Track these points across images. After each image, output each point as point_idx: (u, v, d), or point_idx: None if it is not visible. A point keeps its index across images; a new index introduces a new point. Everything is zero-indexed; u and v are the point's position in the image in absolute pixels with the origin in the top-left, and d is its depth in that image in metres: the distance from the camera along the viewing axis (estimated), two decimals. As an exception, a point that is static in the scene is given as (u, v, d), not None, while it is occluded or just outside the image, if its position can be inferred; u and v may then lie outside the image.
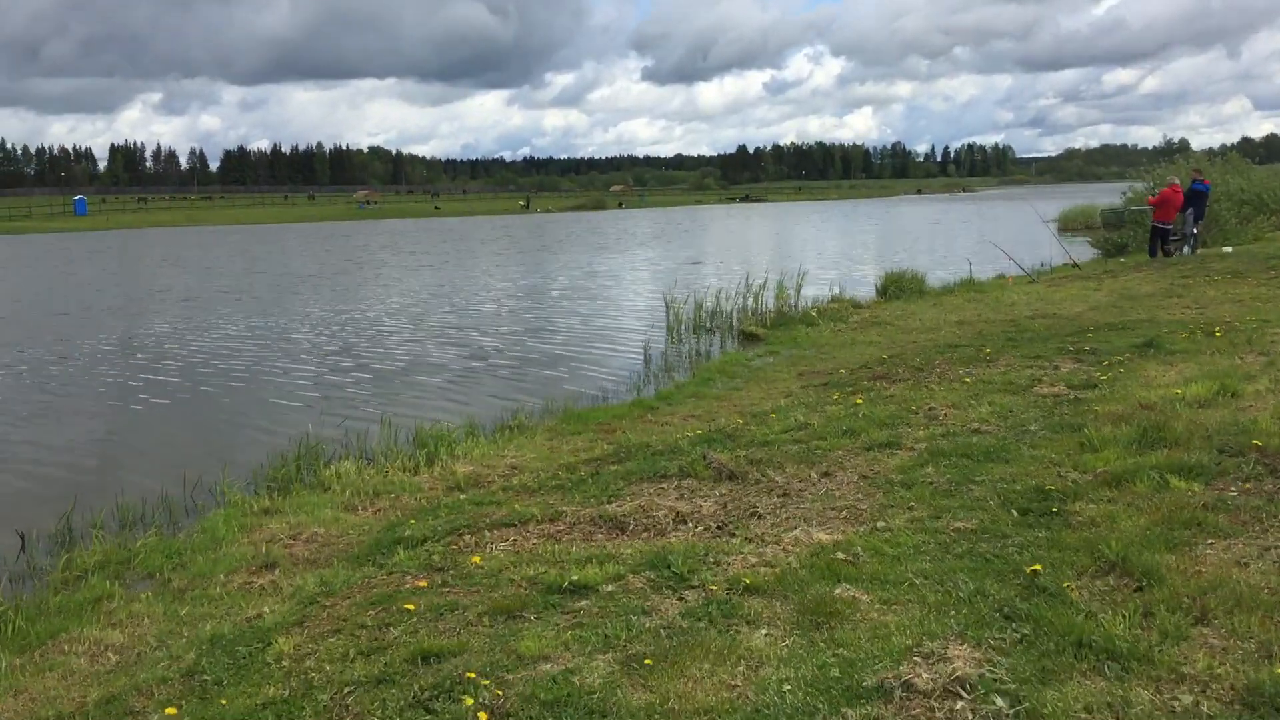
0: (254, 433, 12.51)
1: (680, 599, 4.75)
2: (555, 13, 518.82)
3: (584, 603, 4.82)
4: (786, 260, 35.74)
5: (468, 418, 11.79)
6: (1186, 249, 24.45)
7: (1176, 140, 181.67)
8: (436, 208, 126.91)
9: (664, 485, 7.01)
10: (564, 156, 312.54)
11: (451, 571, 5.64)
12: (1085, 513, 5.25)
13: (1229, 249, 24.93)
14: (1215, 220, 28.16)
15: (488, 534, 6.46)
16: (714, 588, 4.77)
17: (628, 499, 6.78)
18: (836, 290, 21.63)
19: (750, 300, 19.72)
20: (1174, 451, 5.98)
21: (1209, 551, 4.56)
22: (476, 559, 5.76)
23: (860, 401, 8.98)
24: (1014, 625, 4.01)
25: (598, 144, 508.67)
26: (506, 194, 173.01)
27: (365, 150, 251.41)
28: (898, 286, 21.19)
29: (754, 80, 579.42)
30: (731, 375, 13.31)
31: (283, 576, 6.71)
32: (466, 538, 6.47)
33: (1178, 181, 24.15)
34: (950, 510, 5.59)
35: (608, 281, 31.87)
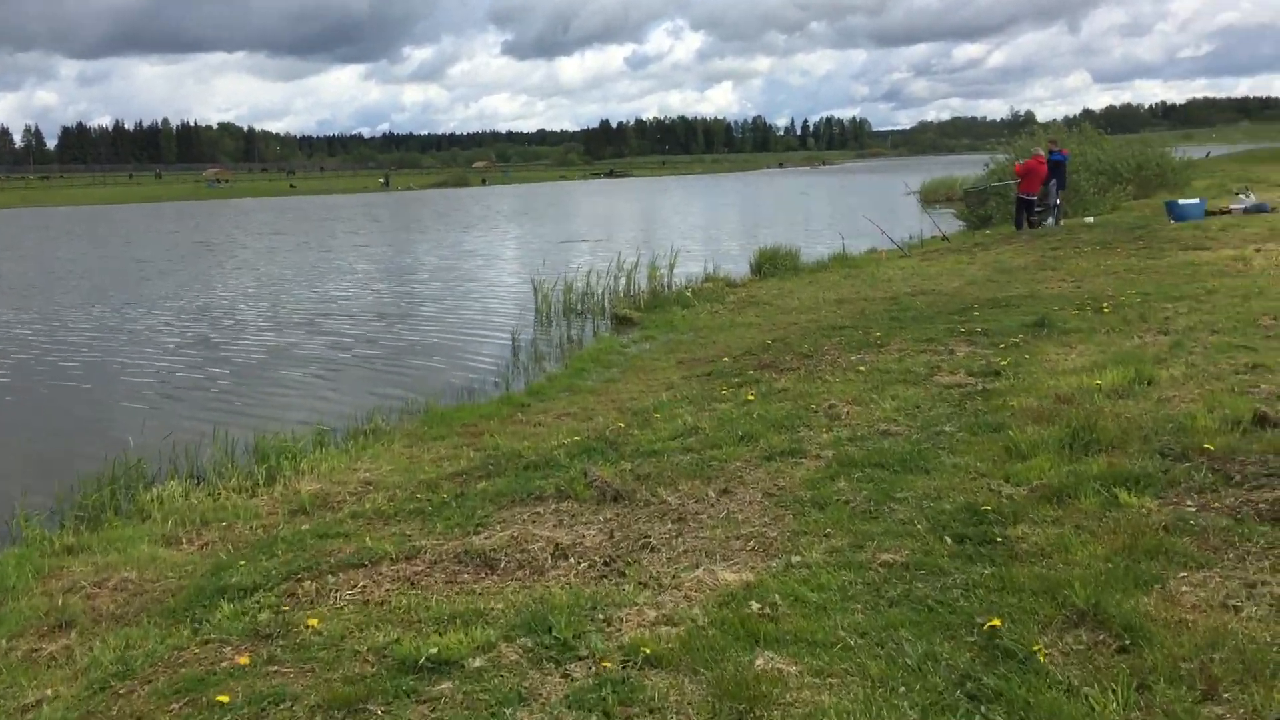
0: (78, 443, 11.05)
1: (565, 676, 3.84)
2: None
3: (445, 685, 3.87)
4: (658, 237, 35.04)
5: (320, 420, 10.60)
6: (1050, 220, 24.62)
7: (1023, 112, 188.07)
8: (292, 185, 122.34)
9: (540, 509, 6.07)
10: (424, 133, 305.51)
11: (282, 641, 4.60)
12: (1030, 539, 4.55)
13: (1091, 219, 25.23)
14: (1075, 190, 28.57)
15: (331, 579, 5.43)
16: (607, 662, 3.86)
17: (498, 528, 5.83)
18: (710, 268, 20.93)
19: (623, 281, 18.83)
20: (1113, 458, 5.36)
21: (1186, 589, 3.89)
22: (314, 621, 4.73)
23: (752, 398, 8.19)
24: (983, 709, 3.23)
25: (459, 120, 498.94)
26: (366, 171, 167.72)
27: (215, 127, 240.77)
28: (772, 263, 20.61)
29: (615, 55, 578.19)
30: (607, 365, 12.43)
31: (80, 640, 5.52)
32: (306, 584, 5.42)
33: (1042, 152, 24.25)
34: (874, 538, 4.82)
35: (476, 262, 30.60)
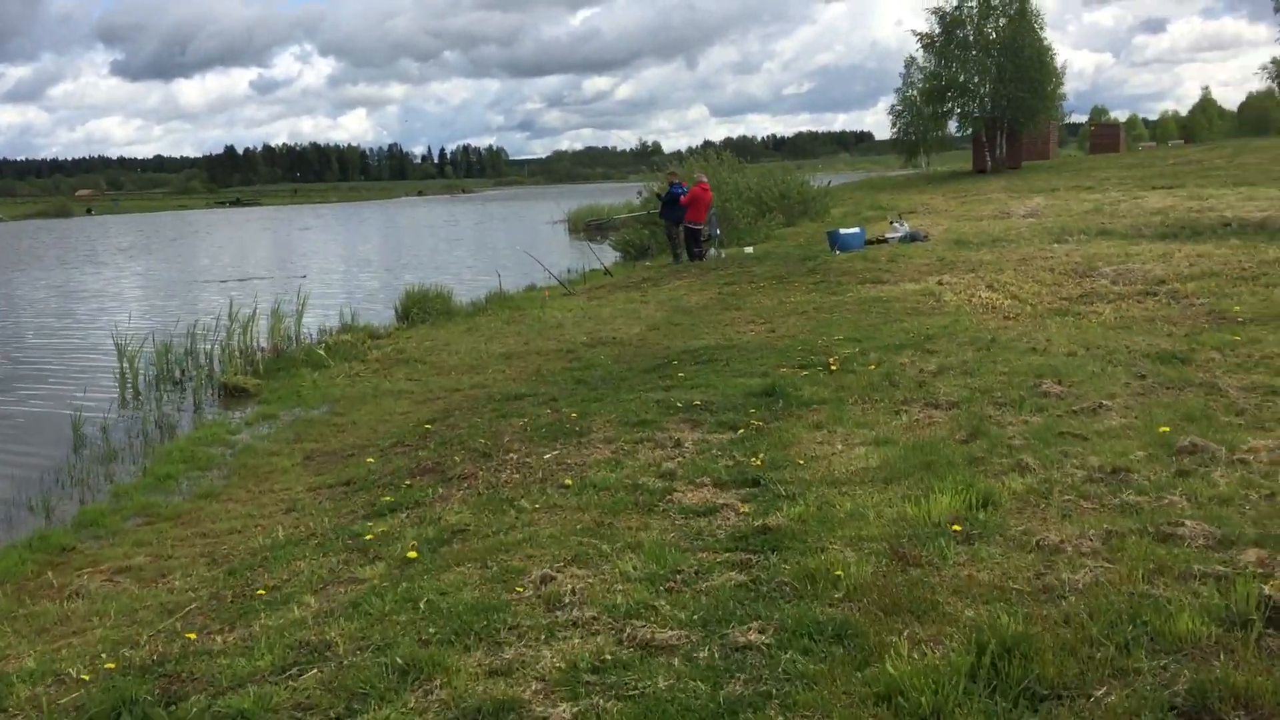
0: None
1: None
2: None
3: None
4: (285, 275, 30.93)
5: None
6: (713, 251, 23.46)
7: (650, 143, 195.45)
8: None
9: None
10: (21, 158, 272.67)
11: None
12: None
13: (750, 249, 24.36)
14: (728, 219, 27.86)
15: None
16: None
17: None
18: (349, 315, 17.66)
19: (239, 336, 15.16)
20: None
21: None
22: None
23: (414, 554, 5.28)
24: None
25: (63, 144, 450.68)
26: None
27: None
28: (422, 308, 17.64)
29: (240, 78, 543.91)
30: (205, 466, 9.05)
31: None
32: None
33: (705, 179, 23.01)
34: None
35: (49, 311, 25.21)
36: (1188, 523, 4.58)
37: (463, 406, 10.10)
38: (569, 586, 4.42)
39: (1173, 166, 41.91)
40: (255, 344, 14.96)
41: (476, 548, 5.16)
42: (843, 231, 22.04)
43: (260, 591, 5.16)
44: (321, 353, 14.01)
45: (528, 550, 5.02)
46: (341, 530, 6.15)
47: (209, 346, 14.85)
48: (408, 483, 7.01)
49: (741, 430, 7.23)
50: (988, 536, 4.55)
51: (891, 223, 24.11)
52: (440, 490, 6.60)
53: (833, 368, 9.38)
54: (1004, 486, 5.19)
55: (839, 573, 4.17)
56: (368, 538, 5.74)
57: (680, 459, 6.63)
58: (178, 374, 13.82)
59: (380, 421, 10.10)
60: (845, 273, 17.92)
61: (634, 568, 4.62)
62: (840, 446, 6.54)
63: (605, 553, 4.86)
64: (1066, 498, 5.02)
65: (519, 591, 4.46)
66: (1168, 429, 6.20)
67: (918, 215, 28.18)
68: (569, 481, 6.25)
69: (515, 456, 7.15)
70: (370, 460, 7.91)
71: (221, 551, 6.37)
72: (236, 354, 14.31)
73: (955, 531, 4.61)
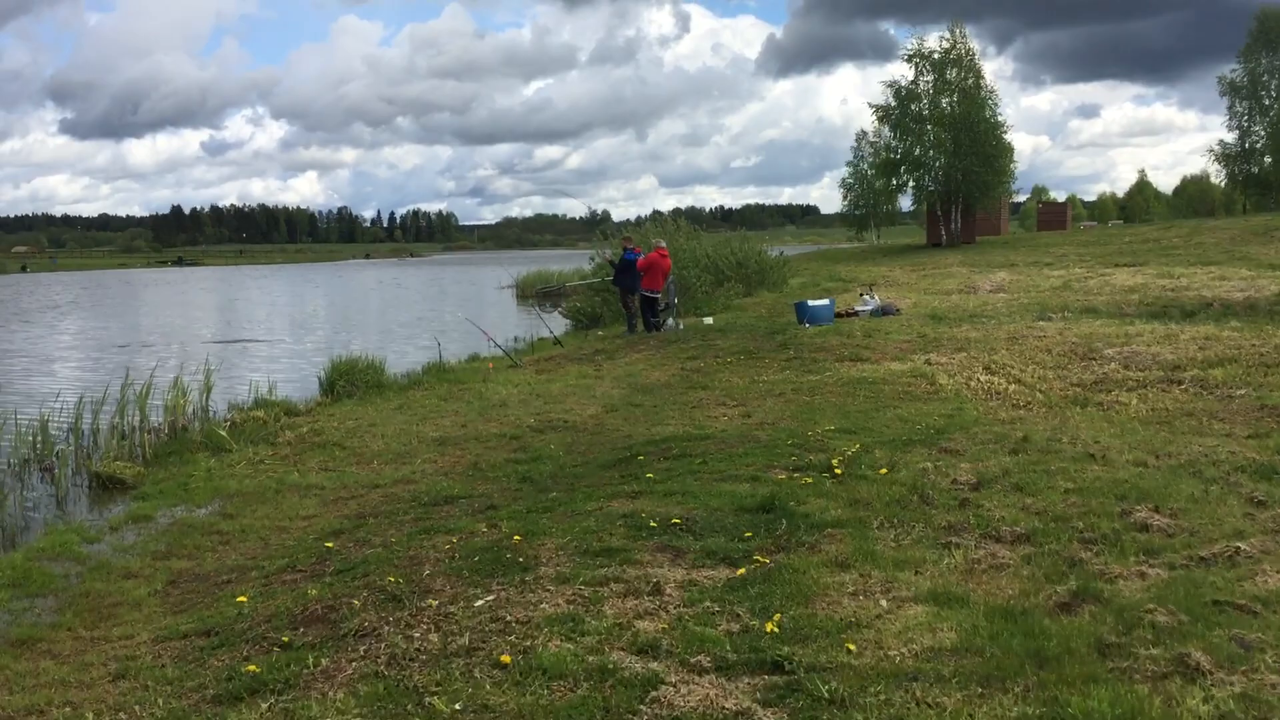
0: None
1: None
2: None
3: None
4: (204, 341, 28.76)
5: None
6: (670, 321, 21.77)
7: (600, 211, 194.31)
8: None
9: None
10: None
11: None
12: None
13: (710, 319, 22.73)
14: (685, 288, 26.26)
15: None
16: None
17: None
18: (266, 387, 15.62)
19: (130, 413, 13.07)
20: None
21: None
22: None
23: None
24: None
25: (6, 200, 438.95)
26: None
27: None
28: (349, 380, 15.64)
29: (191, 139, 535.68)
30: (38, 592, 7.00)
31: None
32: None
33: (664, 245, 21.40)
34: None
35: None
36: None
37: (380, 511, 8.17)
38: None
39: (1129, 244, 41.27)
40: (146, 422, 12.85)
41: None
42: (811, 303, 20.50)
43: None
44: (223, 434, 11.95)
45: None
46: (174, 726, 4.20)
47: (94, 423, 12.74)
48: (285, 638, 5.07)
49: (742, 569, 5.40)
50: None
51: (861, 295, 22.66)
52: (325, 659, 4.67)
53: (837, 471, 7.63)
54: (1186, 713, 3.39)
55: None
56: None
57: (663, 617, 4.78)
58: (44, 457, 11.60)
59: (275, 529, 8.13)
60: (820, 348, 16.31)
61: None
62: (885, 603, 4.73)
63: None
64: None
65: None
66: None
67: (880, 288, 26.82)
68: (506, 659, 4.36)
69: (436, 603, 5.25)
70: (244, 599, 5.93)
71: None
72: (121, 434, 12.17)
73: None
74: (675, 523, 6.39)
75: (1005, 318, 19.39)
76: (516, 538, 6.25)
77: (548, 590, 5.30)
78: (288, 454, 11.27)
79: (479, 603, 5.21)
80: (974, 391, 12.05)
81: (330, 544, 6.98)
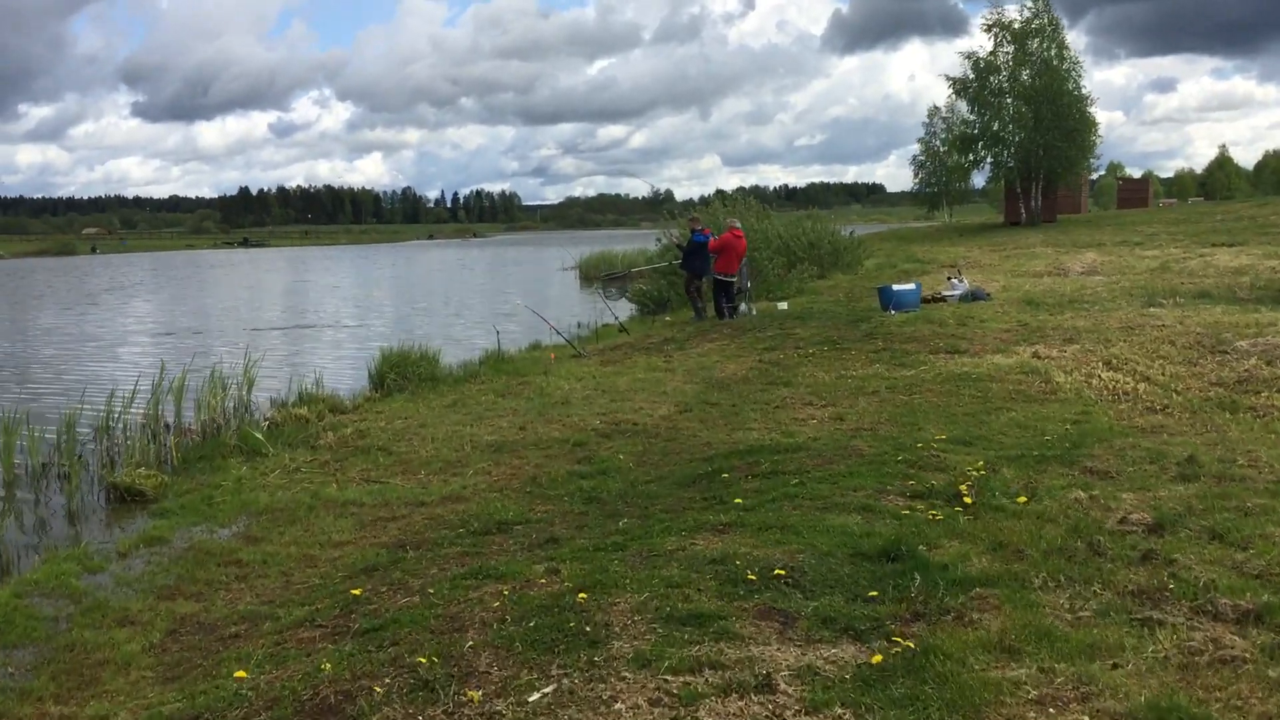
0: None
1: None
2: (29, 40, 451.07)
3: None
4: (266, 320, 28.00)
5: None
6: (744, 306, 20.40)
7: (663, 191, 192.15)
8: None
9: None
10: (39, 196, 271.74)
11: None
12: None
13: (784, 305, 21.32)
14: (757, 271, 24.83)
15: None
16: None
17: None
18: (314, 380, 14.60)
19: (164, 409, 12.09)
20: None
21: None
22: None
23: None
24: None
25: (81, 183, 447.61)
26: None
27: None
28: (400, 373, 14.55)
29: (259, 121, 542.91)
30: (19, 641, 5.92)
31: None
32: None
33: (738, 225, 20.02)
34: None
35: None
36: None
37: (423, 541, 7.01)
38: None
39: (1222, 223, 39.02)
40: (179, 421, 11.84)
41: None
42: (896, 288, 19.01)
43: None
44: (259, 436, 10.89)
45: None
46: None
47: (123, 421, 11.77)
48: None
49: (878, 656, 4.11)
50: None
51: (949, 279, 21.05)
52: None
53: (967, 500, 6.30)
54: None
55: None
56: None
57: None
58: (66, 465, 10.49)
59: (301, 559, 7.01)
60: (910, 338, 14.88)
61: None
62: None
63: None
64: None
65: None
66: None
67: (963, 270, 25.16)
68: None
69: (479, 696, 4.04)
70: (243, 673, 4.77)
71: None
72: (150, 436, 11.16)
73: None
74: (779, 574, 5.12)
75: (1109, 304, 17.74)
76: (582, 595, 5.02)
77: (624, 679, 4.07)
78: (327, 460, 10.18)
79: (533, 697, 3.99)
80: (1097, 392, 10.58)
81: (358, 590, 5.81)
